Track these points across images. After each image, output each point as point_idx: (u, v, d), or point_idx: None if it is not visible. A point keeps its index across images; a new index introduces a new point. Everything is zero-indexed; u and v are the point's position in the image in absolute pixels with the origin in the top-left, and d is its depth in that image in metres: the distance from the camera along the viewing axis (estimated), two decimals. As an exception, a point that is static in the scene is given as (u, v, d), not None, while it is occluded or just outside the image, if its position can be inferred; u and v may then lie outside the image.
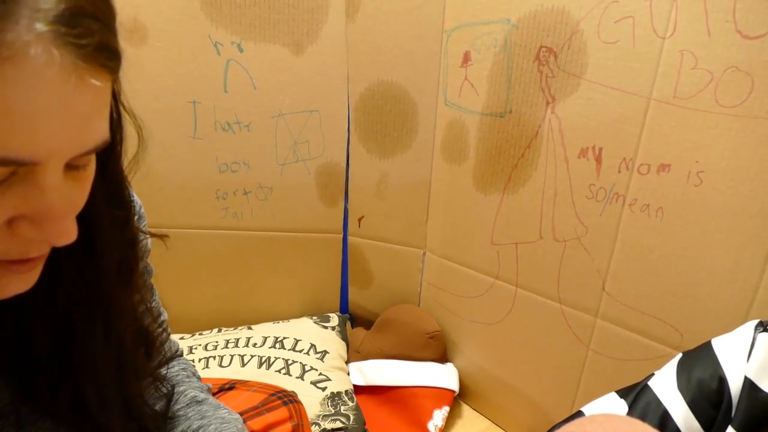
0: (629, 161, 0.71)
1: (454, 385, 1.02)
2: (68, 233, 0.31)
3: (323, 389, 0.93)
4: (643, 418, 0.51)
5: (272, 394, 0.62)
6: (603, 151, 0.74)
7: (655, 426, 0.50)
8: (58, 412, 0.40)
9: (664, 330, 0.72)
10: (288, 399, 0.62)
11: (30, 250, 0.31)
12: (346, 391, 0.95)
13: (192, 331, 1.09)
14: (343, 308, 1.19)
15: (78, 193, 0.32)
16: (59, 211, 0.30)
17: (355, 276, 1.16)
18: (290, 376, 0.95)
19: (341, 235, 1.11)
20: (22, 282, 0.33)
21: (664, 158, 0.68)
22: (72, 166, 0.31)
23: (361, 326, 1.17)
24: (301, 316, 1.14)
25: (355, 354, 1.08)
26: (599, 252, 0.77)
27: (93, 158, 0.33)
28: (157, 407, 0.48)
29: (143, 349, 0.47)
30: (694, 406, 0.50)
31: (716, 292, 0.67)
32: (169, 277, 1.05)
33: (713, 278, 0.67)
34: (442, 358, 1.07)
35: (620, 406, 0.55)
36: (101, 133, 0.31)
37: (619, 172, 0.73)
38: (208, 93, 0.98)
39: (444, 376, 1.03)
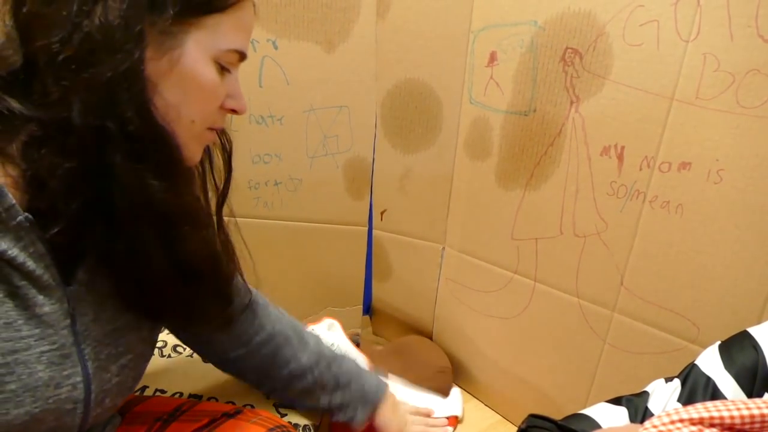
0: (651, 159, 0.73)
1: (458, 411, 1.01)
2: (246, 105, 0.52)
3: None
4: (693, 393, 0.54)
5: (271, 429, 0.61)
6: (625, 150, 0.75)
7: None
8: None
9: (680, 323, 0.74)
10: None
11: (223, 121, 0.52)
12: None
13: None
14: (367, 300, 1.21)
15: None
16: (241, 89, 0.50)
17: (375, 268, 1.18)
18: None
19: (366, 228, 1.13)
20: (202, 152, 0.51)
21: (685, 156, 0.69)
22: None
23: (377, 328, 1.18)
24: (325, 306, 1.16)
25: None
26: (618, 247, 0.78)
27: None
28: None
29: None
30: (739, 380, 0.53)
31: (733, 286, 0.68)
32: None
33: (731, 273, 0.68)
34: (444, 393, 1.06)
35: (671, 386, 0.58)
36: None
37: (641, 169, 0.74)
38: (244, 87, 0.97)
39: (444, 405, 1.01)
